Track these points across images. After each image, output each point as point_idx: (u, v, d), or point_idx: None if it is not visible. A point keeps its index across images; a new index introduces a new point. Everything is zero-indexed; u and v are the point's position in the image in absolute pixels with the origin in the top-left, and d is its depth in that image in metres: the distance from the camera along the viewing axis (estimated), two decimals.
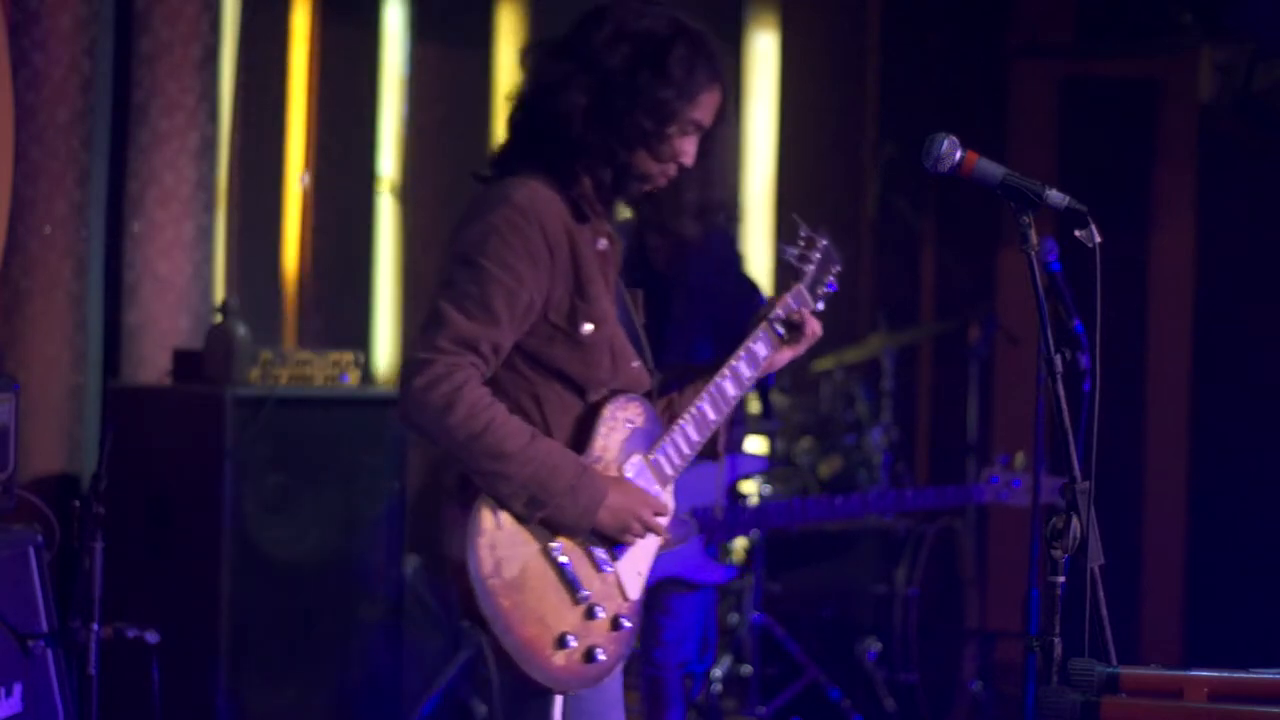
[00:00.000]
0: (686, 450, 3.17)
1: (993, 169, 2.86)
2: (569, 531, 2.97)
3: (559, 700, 2.98)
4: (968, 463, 6.86)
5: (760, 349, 3.28)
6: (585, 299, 3.01)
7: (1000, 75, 7.62)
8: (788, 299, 3.34)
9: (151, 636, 3.69)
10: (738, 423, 4.96)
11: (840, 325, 3.50)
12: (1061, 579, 2.69)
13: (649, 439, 3.13)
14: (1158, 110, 7.34)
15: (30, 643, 3.63)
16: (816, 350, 3.57)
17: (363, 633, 4.85)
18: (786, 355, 3.34)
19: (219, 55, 5.15)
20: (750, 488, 5.97)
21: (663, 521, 3.09)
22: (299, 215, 5.84)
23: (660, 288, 4.52)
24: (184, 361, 4.81)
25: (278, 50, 5.77)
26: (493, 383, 2.96)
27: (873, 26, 7.93)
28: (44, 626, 3.70)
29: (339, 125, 5.96)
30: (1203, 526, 7.11)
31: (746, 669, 5.77)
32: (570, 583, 2.97)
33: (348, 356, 4.88)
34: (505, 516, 2.91)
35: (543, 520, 2.93)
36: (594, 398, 3.05)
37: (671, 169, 3.07)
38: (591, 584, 3.00)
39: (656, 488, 3.12)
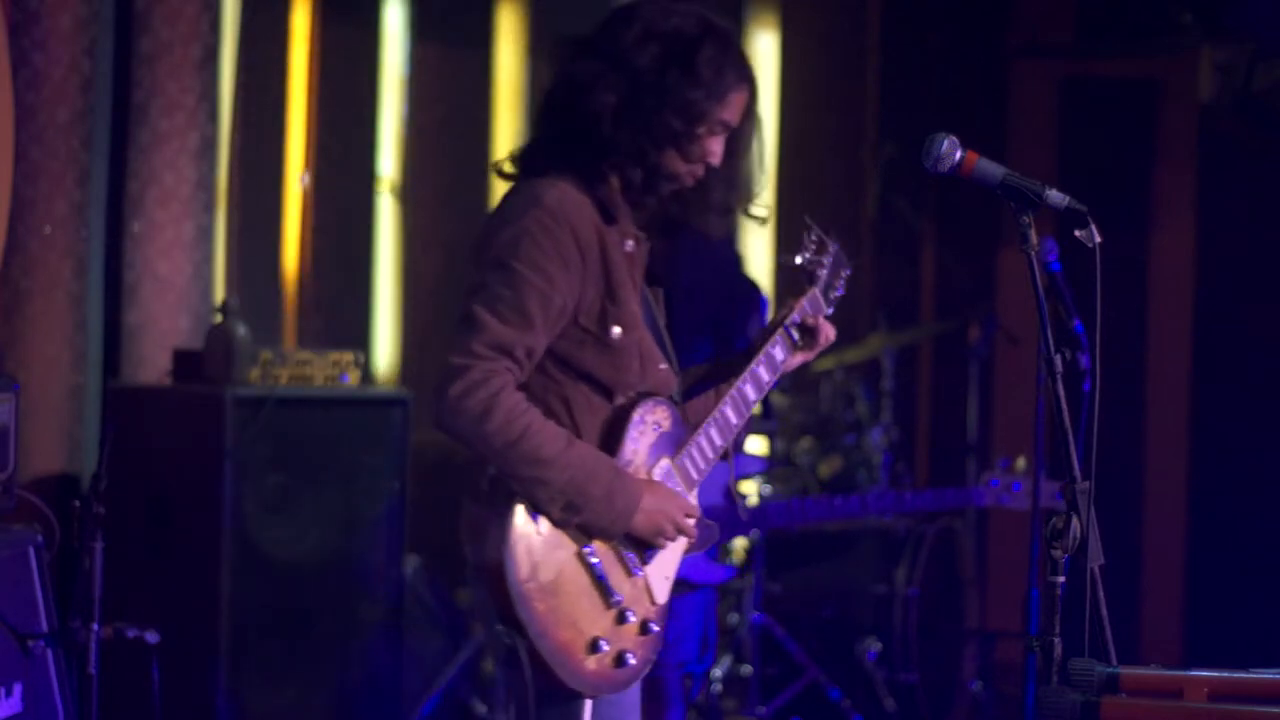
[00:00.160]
0: (710, 454, 3.17)
1: (993, 169, 2.86)
2: (604, 535, 2.97)
3: (589, 704, 2.98)
4: (968, 463, 6.86)
5: (778, 353, 3.29)
6: (615, 302, 3.00)
7: (1000, 75, 7.62)
8: (804, 303, 3.34)
9: (151, 636, 3.69)
10: None
11: (840, 325, 3.49)
12: (1061, 579, 2.69)
13: (675, 442, 3.12)
14: (1158, 110, 7.34)
15: (30, 643, 3.63)
16: None
17: (363, 633, 4.85)
18: (798, 360, 3.34)
19: (219, 55, 5.15)
20: (750, 488, 5.97)
21: (692, 524, 3.09)
22: (299, 215, 5.84)
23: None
24: (184, 361, 4.80)
25: (278, 50, 5.77)
26: (522, 386, 2.95)
27: (873, 26, 7.93)
28: (44, 626, 3.70)
29: (339, 125, 5.96)
30: (1203, 526, 7.11)
31: (746, 669, 5.77)
32: (603, 587, 2.97)
33: (348, 356, 4.88)
34: (542, 520, 2.91)
35: (579, 525, 2.93)
36: (621, 400, 3.04)
37: (699, 169, 3.06)
38: (623, 588, 3.00)
39: (683, 491, 3.12)
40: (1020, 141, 7.45)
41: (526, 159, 3.08)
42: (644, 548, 3.04)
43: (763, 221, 3.28)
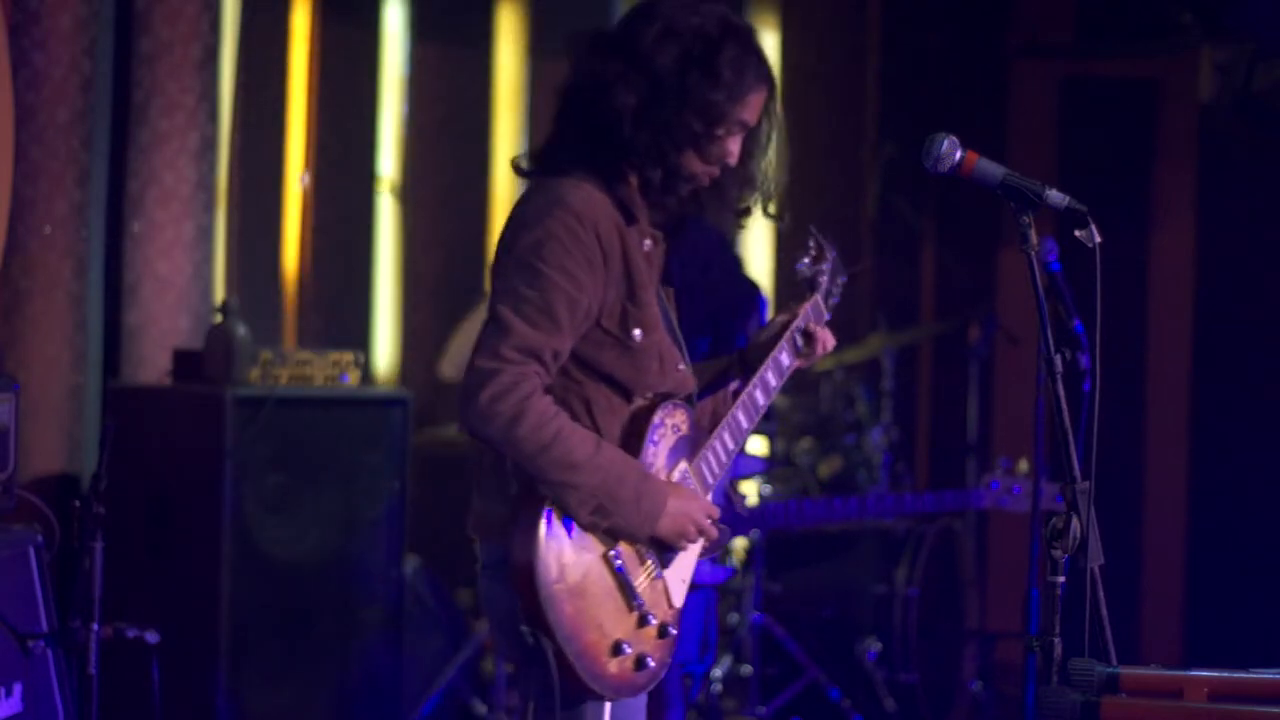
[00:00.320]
0: (724, 458, 3.18)
1: (993, 169, 2.86)
2: (631, 537, 2.97)
3: (609, 707, 2.98)
4: (968, 463, 6.86)
5: (785, 359, 3.29)
6: (636, 304, 2.99)
7: (1000, 75, 7.62)
8: (807, 310, 3.35)
9: (151, 636, 3.69)
10: None
11: (840, 325, 3.50)
12: (1061, 579, 2.69)
13: (692, 445, 3.12)
14: (1158, 110, 7.34)
15: (30, 643, 3.63)
16: None
17: (363, 633, 4.85)
18: (798, 365, 3.35)
19: (219, 55, 5.15)
20: (750, 488, 5.97)
21: (712, 526, 3.09)
22: (299, 215, 5.84)
23: None
24: (184, 361, 4.80)
25: (278, 50, 5.77)
26: (546, 388, 2.94)
27: (873, 26, 7.93)
28: (44, 626, 3.70)
29: (339, 125, 5.96)
30: (1203, 526, 7.11)
31: (746, 669, 5.77)
32: (627, 589, 2.97)
33: (348, 356, 4.88)
34: (570, 523, 2.91)
35: (608, 528, 2.93)
36: (640, 401, 3.04)
37: (717, 169, 3.05)
38: (645, 591, 3.00)
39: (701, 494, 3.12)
40: (1020, 141, 7.44)
41: (546, 157, 3.06)
42: (664, 551, 3.04)
43: (780, 220, 3.28)
